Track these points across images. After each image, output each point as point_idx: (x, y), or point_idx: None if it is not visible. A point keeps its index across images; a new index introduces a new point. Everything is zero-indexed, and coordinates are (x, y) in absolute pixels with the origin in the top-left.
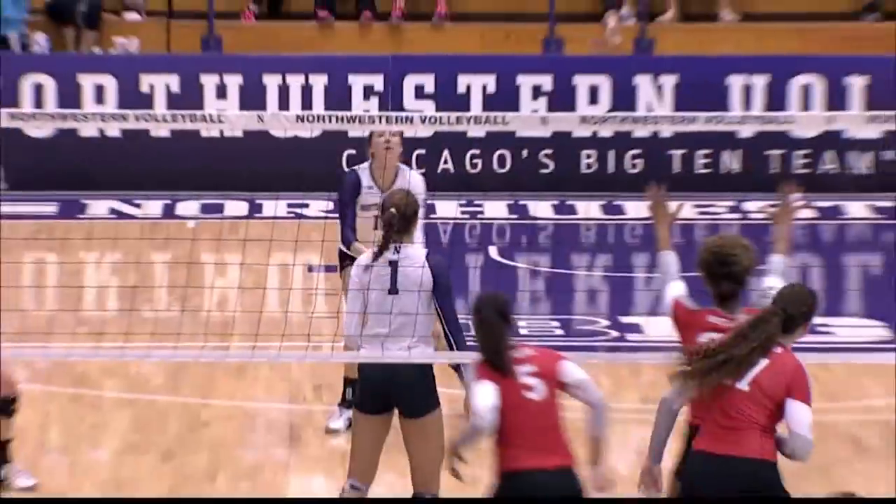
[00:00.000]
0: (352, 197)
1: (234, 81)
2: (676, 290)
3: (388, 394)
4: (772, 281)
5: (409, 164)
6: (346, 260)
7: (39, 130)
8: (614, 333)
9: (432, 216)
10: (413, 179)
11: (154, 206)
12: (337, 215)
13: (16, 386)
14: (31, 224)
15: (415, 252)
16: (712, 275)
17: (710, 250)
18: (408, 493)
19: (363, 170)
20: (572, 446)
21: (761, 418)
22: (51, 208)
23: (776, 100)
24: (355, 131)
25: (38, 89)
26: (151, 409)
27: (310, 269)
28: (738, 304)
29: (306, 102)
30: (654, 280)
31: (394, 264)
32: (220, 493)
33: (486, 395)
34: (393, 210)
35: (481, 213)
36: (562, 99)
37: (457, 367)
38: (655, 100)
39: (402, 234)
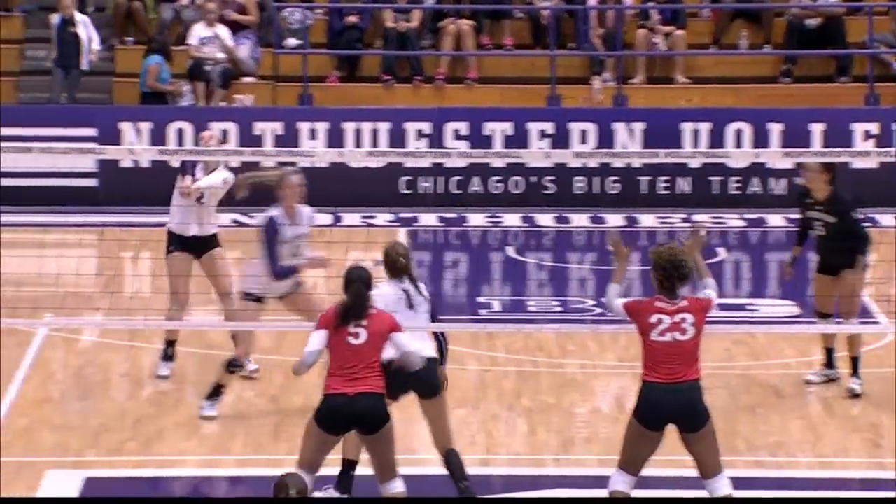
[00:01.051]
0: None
1: (322, 127)
2: (619, 300)
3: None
4: (709, 292)
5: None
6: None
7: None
8: (598, 310)
9: (465, 225)
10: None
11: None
12: (398, 224)
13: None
14: None
15: (419, 283)
16: (669, 276)
17: (666, 258)
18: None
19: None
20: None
21: None
22: None
23: (716, 140)
24: (409, 163)
25: (180, 132)
26: (263, 364)
27: (375, 263)
28: (679, 293)
29: (374, 142)
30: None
31: (407, 291)
32: None
33: (314, 341)
34: (402, 259)
35: (501, 222)
36: (560, 140)
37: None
38: (628, 140)
39: (411, 271)
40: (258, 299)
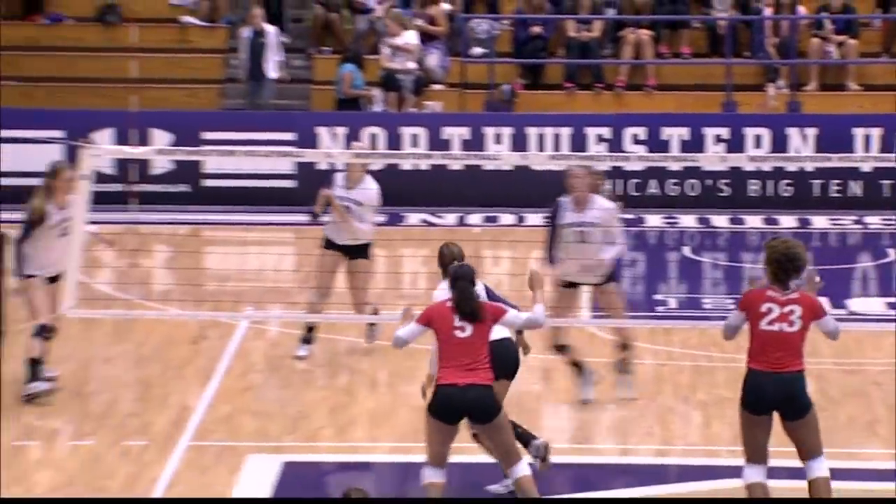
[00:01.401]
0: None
1: (507, 132)
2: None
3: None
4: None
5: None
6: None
7: (374, 165)
8: None
9: (643, 226)
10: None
11: (451, 218)
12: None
13: None
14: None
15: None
16: (784, 269)
17: (782, 252)
18: None
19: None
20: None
21: None
22: (380, 219)
23: (888, 146)
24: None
25: (373, 137)
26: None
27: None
28: (791, 286)
29: (556, 147)
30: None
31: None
32: None
33: (406, 331)
34: (458, 262)
35: (678, 223)
36: (735, 144)
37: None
38: (802, 145)
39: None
40: (572, 285)
